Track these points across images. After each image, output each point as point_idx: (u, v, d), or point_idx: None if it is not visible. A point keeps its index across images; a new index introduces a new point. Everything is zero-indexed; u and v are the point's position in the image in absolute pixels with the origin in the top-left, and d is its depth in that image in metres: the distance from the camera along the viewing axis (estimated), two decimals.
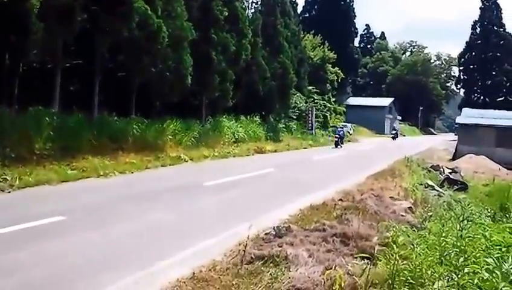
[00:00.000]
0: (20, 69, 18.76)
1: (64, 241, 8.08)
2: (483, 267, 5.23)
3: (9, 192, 12.14)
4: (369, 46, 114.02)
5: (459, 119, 39.72)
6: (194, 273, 6.51)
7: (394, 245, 6.37)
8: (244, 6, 35.95)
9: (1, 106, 16.65)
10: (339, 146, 37.63)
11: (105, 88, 20.78)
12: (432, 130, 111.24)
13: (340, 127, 42.71)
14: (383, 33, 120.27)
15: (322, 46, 59.49)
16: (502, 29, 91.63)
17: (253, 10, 41.36)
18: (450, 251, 6.44)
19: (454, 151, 36.56)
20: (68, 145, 16.63)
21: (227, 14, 27.52)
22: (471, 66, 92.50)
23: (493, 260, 5.33)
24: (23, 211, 10.20)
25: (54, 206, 10.59)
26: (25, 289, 6.06)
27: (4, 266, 6.68)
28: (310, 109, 45.91)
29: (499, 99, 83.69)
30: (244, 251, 7.10)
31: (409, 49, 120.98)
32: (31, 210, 10.31)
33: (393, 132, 63.50)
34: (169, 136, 22.52)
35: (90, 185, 14.04)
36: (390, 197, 13.03)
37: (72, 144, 16.87)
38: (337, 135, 39.03)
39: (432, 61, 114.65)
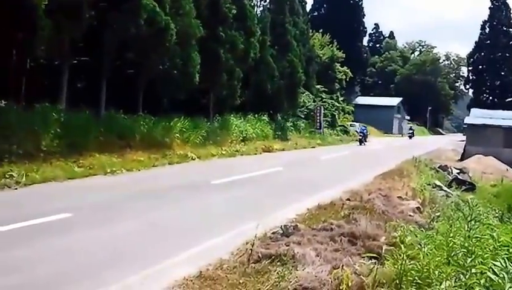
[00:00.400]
0: (28, 66, 18.82)
1: (71, 238, 8.07)
2: (490, 268, 5.17)
3: (16, 189, 12.15)
4: (377, 46, 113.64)
5: (468, 120, 39.54)
6: (201, 271, 6.44)
7: (402, 245, 6.34)
8: (252, 4, 35.82)
9: (8, 103, 16.71)
10: (362, 143, 41.39)
11: (113, 85, 20.77)
12: (440, 130, 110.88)
13: (364, 126, 45.94)
14: (391, 32, 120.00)
15: (330, 45, 59.42)
16: (511, 30, 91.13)
17: (261, 8, 41.23)
18: (458, 251, 6.36)
19: (462, 151, 36.36)
20: (75, 142, 16.64)
21: (235, 12, 27.50)
22: (480, 66, 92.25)
23: (501, 261, 5.26)
24: (29, 208, 10.20)
25: (60, 204, 10.59)
26: (29, 287, 6.02)
27: (9, 263, 6.66)
28: (318, 108, 45.88)
29: (507, 100, 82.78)
30: (252, 249, 7.02)
31: (418, 49, 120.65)
32: (37, 207, 10.31)
33: (410, 131, 67.92)
34: (177, 134, 22.49)
35: (97, 183, 14.02)
36: (398, 197, 12.89)
37: (79, 141, 16.88)
38: (360, 134, 42.97)
39: (440, 61, 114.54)
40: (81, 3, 17.29)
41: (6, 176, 12.51)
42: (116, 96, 21.13)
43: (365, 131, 43.74)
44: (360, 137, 42.30)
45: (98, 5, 18.64)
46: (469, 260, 5.79)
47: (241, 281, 6.12)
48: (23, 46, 17.06)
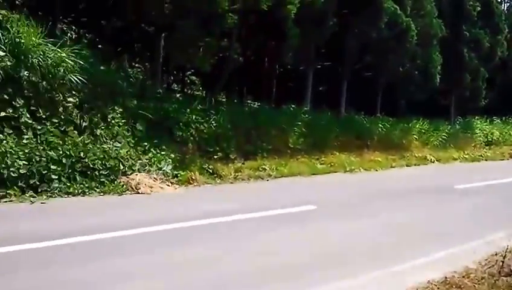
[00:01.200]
0: (277, 71, 20.60)
1: (317, 228, 8.59)
2: None
3: (268, 180, 13.56)
4: None
5: None
6: (446, 277, 6.16)
7: None
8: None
9: (261, 104, 18.73)
10: None
11: (352, 88, 21.56)
12: None
13: None
14: None
15: None
16: None
17: (509, 4, 38.32)
18: None
19: None
20: (317, 141, 17.73)
21: (480, 9, 26.20)
22: None
23: None
24: (279, 198, 11.20)
25: (306, 197, 11.39)
26: (299, 265, 6.53)
27: (257, 246, 7.41)
28: None
29: None
30: (503, 261, 6.44)
31: None
32: (286, 198, 11.25)
33: None
34: (415, 136, 22.38)
35: (337, 180, 14.80)
36: None
37: (321, 140, 17.92)
38: None
39: None
40: (327, 12, 18.27)
41: (260, 169, 14.07)
42: (355, 98, 21.85)
43: None
44: None
45: (340, 12, 19.42)
46: None
47: None
48: (273, 54, 18.77)
